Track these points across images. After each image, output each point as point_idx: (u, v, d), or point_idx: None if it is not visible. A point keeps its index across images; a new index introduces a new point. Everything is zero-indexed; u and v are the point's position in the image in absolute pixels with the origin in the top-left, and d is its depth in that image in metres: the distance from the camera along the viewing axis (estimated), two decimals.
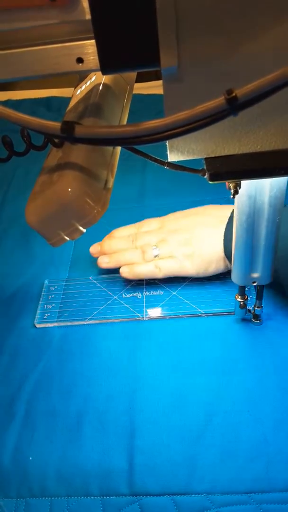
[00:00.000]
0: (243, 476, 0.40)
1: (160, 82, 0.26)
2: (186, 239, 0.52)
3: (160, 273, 0.53)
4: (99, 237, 0.65)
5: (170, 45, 0.24)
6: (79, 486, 0.41)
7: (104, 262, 0.55)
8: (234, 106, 0.20)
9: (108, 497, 0.40)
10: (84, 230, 0.28)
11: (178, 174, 0.79)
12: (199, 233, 0.52)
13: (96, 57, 0.26)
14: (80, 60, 0.26)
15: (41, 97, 0.97)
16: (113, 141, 0.22)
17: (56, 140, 0.30)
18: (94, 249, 0.57)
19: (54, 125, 0.22)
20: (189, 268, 0.52)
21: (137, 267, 0.53)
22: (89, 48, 0.26)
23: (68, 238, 0.29)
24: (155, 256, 0.53)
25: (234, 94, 0.20)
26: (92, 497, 0.40)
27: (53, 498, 0.41)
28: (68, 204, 0.26)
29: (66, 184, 0.26)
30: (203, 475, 0.40)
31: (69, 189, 0.26)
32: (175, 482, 0.40)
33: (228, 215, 0.53)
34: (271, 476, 0.39)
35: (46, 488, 0.41)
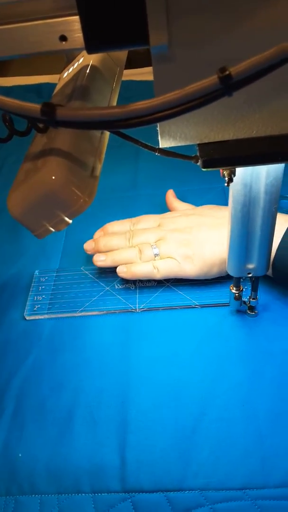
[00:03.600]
0: (237, 471, 0.39)
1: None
2: (186, 240, 0.51)
3: (158, 274, 0.51)
4: (91, 228, 0.64)
5: (160, 21, 0.22)
6: (70, 483, 0.40)
7: (100, 260, 0.53)
8: (228, 85, 0.19)
9: (99, 494, 0.39)
10: (70, 221, 0.27)
11: (172, 162, 0.78)
12: (199, 234, 0.51)
13: (81, 35, 0.24)
14: (63, 38, 0.24)
15: (32, 84, 0.95)
16: (98, 125, 0.20)
17: (40, 126, 0.28)
18: (88, 245, 0.55)
19: (34, 107, 0.20)
20: (189, 270, 0.50)
21: (134, 267, 0.52)
22: (73, 24, 0.24)
23: (53, 229, 0.27)
24: (155, 256, 0.51)
25: (228, 72, 0.18)
26: (83, 494, 0.39)
27: (43, 495, 0.40)
28: (52, 193, 0.25)
29: (50, 172, 0.24)
30: (197, 471, 0.39)
31: (53, 177, 0.24)
32: (169, 478, 0.39)
33: (227, 215, 0.51)
34: (267, 471, 0.38)
35: (36, 485, 0.40)
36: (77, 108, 0.20)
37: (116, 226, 0.56)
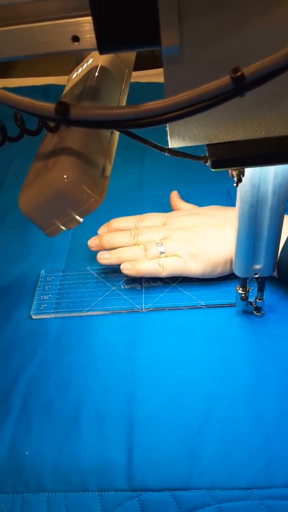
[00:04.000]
0: (244, 471, 0.39)
1: (159, 70, 0.25)
2: (191, 238, 0.51)
3: (163, 272, 0.51)
4: (97, 228, 0.64)
5: (172, 22, 0.23)
6: (77, 482, 0.40)
7: (104, 258, 0.53)
8: (241, 85, 0.19)
9: (106, 493, 0.39)
10: (81, 220, 0.27)
11: (177, 164, 0.78)
12: (204, 234, 0.51)
13: (93, 36, 0.24)
14: (75, 39, 0.24)
15: (39, 85, 0.95)
16: (110, 124, 0.20)
17: (51, 125, 0.28)
18: (92, 242, 0.55)
19: (48, 106, 0.20)
20: (194, 268, 0.50)
21: (140, 264, 0.51)
22: (85, 25, 0.24)
23: (64, 228, 0.28)
24: (161, 253, 0.51)
25: (241, 73, 0.19)
26: (90, 493, 0.39)
27: (50, 493, 0.40)
28: (63, 192, 0.25)
29: (61, 171, 0.25)
30: (203, 470, 0.39)
31: (65, 176, 0.24)
32: (175, 477, 0.39)
33: (233, 216, 0.51)
34: (273, 471, 0.38)
35: (43, 483, 0.40)
36: (90, 107, 0.21)
37: (121, 222, 0.56)
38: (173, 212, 0.58)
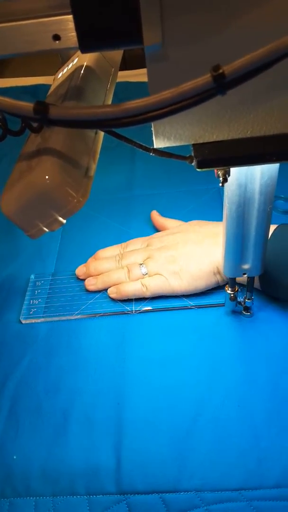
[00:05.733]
0: (233, 472, 0.39)
1: None
2: (173, 256, 0.51)
3: (147, 292, 0.51)
4: (87, 229, 0.64)
5: (154, 20, 0.22)
6: (65, 485, 0.39)
7: (91, 284, 0.54)
8: (221, 84, 0.19)
9: (94, 496, 0.39)
10: (64, 221, 0.27)
11: (167, 164, 0.78)
12: (185, 250, 0.51)
13: (75, 34, 0.24)
14: (57, 37, 0.24)
15: (28, 85, 0.95)
16: (91, 124, 0.20)
17: (34, 125, 0.28)
18: (79, 271, 0.56)
19: (27, 105, 0.20)
20: (177, 285, 0.50)
21: (123, 286, 0.52)
22: (67, 24, 0.24)
23: (47, 229, 0.27)
24: (144, 274, 0.52)
25: (221, 71, 0.18)
26: (78, 496, 0.39)
27: (38, 497, 0.39)
28: (46, 193, 0.25)
29: (43, 171, 0.24)
30: (192, 472, 0.39)
31: (47, 177, 0.24)
32: (164, 479, 0.39)
33: (213, 230, 0.52)
34: (263, 472, 0.38)
35: (31, 487, 0.40)
36: (70, 107, 0.20)
37: (107, 252, 0.57)
38: (155, 234, 0.58)
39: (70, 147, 0.26)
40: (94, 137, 0.28)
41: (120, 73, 0.38)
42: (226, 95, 0.23)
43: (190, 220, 0.57)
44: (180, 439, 0.41)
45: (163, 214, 0.61)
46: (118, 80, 0.38)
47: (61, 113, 0.20)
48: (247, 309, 0.48)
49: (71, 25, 0.24)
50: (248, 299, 0.47)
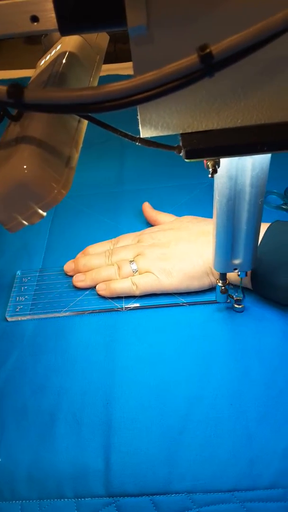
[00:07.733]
0: (225, 473, 0.38)
1: None
2: (164, 254, 0.50)
3: (137, 290, 0.50)
4: (77, 224, 0.62)
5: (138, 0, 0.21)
6: (52, 488, 0.38)
7: (80, 281, 0.52)
8: (209, 65, 0.17)
9: (83, 499, 0.38)
10: (44, 214, 0.25)
11: (158, 158, 0.76)
12: (178, 248, 0.50)
13: (54, 15, 0.22)
14: (35, 19, 0.23)
15: (15, 77, 0.93)
16: (70, 108, 0.19)
17: (14, 114, 0.27)
18: (68, 267, 0.54)
19: (0, 89, 0.19)
20: (168, 283, 0.49)
21: (113, 284, 0.51)
22: (45, 4, 0.23)
23: (26, 223, 0.26)
24: (134, 271, 0.50)
25: (208, 51, 0.17)
26: (66, 500, 0.38)
27: (24, 501, 0.38)
28: (23, 184, 0.23)
29: (21, 161, 0.23)
30: (183, 473, 0.38)
31: (25, 166, 0.23)
32: (154, 481, 0.38)
33: (206, 228, 0.50)
34: (255, 473, 0.37)
35: (17, 491, 0.38)
36: (46, 89, 0.19)
37: (96, 248, 0.56)
38: (146, 229, 0.57)
39: (50, 136, 0.24)
40: (76, 126, 0.27)
41: (111, 66, 0.37)
42: (215, 81, 0.21)
43: (182, 215, 0.56)
44: (171, 439, 0.40)
45: (154, 209, 0.60)
46: (109, 73, 0.36)
47: (36, 96, 0.18)
48: (238, 301, 0.47)
49: (50, 5, 0.23)
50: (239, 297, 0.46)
